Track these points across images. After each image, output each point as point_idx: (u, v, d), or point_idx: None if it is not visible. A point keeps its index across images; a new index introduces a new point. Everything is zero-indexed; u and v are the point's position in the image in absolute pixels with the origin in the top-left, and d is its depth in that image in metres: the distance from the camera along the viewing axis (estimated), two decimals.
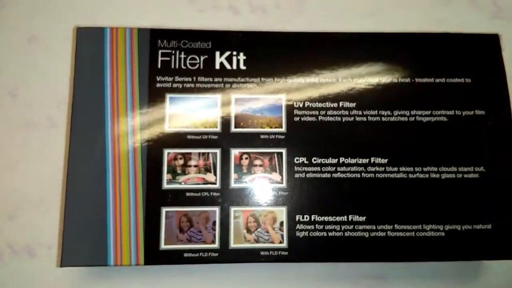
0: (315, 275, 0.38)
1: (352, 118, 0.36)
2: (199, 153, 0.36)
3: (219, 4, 0.43)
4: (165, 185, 0.35)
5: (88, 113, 0.36)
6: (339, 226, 0.35)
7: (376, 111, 0.37)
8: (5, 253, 0.38)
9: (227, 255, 0.34)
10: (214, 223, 0.34)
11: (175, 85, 0.37)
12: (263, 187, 0.35)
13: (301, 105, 0.37)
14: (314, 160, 0.36)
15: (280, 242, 0.34)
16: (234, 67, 0.37)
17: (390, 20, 0.43)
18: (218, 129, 0.36)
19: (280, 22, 0.42)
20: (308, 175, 0.35)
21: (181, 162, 0.35)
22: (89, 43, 0.37)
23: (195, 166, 0.35)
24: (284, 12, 0.43)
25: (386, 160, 0.36)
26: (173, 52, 0.37)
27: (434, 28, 0.42)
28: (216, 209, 0.35)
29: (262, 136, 0.36)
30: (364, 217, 0.35)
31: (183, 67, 0.37)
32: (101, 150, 0.35)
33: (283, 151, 0.36)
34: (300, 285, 0.38)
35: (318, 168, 0.36)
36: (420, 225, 0.35)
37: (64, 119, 0.40)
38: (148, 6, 0.43)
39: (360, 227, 0.35)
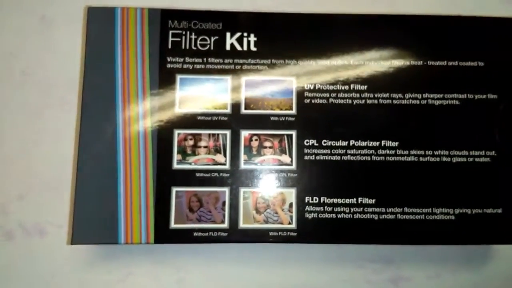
0: (322, 257, 0.38)
1: (363, 101, 0.36)
2: (209, 134, 0.36)
3: None
4: (176, 165, 0.35)
5: (99, 93, 0.36)
6: (348, 208, 0.35)
7: (388, 94, 0.36)
8: (16, 232, 0.38)
9: (236, 235, 0.34)
10: (224, 203, 0.35)
11: (185, 66, 0.37)
12: (272, 169, 0.35)
13: (311, 88, 0.37)
14: (324, 142, 0.36)
15: (289, 223, 0.34)
16: (245, 48, 0.37)
17: (402, 2, 0.42)
18: (228, 110, 0.36)
19: (291, 4, 0.42)
20: (318, 157, 0.35)
21: (191, 142, 0.35)
22: (100, 23, 0.37)
23: (205, 147, 0.35)
24: None
25: (397, 143, 0.36)
26: (184, 32, 0.37)
27: (447, 11, 0.41)
28: (226, 189, 0.35)
29: (272, 118, 0.36)
30: (374, 200, 0.35)
31: (193, 47, 0.37)
32: (112, 130, 0.35)
33: (293, 133, 0.36)
34: (307, 267, 0.38)
35: (328, 151, 0.35)
36: (430, 209, 0.35)
37: (76, 99, 0.40)
38: None
39: (370, 210, 0.35)
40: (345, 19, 0.38)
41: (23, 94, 0.40)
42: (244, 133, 0.36)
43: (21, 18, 0.41)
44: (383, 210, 0.35)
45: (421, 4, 0.42)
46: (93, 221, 0.34)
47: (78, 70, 0.41)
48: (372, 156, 0.35)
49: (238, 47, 0.37)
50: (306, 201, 0.35)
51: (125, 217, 0.34)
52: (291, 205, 0.35)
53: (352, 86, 0.37)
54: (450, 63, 0.37)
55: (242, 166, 0.35)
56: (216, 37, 0.37)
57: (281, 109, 0.36)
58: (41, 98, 0.40)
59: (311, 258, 0.38)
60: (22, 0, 0.42)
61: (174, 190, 0.35)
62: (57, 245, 0.38)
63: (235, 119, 0.36)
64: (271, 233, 0.34)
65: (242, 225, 0.34)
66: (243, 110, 0.36)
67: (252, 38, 0.37)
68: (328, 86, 0.37)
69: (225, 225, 0.34)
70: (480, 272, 0.38)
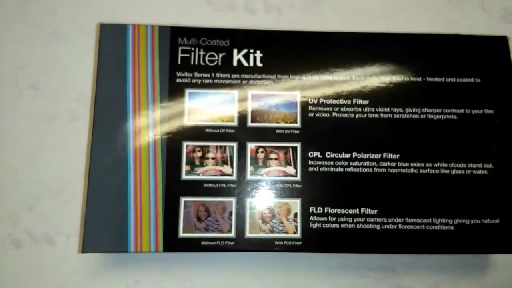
0: (326, 266, 0.39)
1: (365, 115, 0.38)
2: (217, 146, 0.37)
3: (235, 4, 0.44)
4: (184, 176, 0.36)
5: (110, 106, 0.37)
6: (351, 218, 0.36)
7: (388, 108, 0.38)
8: (25, 241, 0.39)
9: (242, 244, 0.35)
10: (231, 213, 0.36)
11: (194, 81, 0.38)
12: (278, 180, 0.36)
13: (315, 102, 0.38)
14: (328, 154, 0.37)
15: (294, 233, 0.35)
16: (251, 64, 0.39)
17: (402, 22, 0.44)
18: (235, 123, 0.37)
19: (294, 22, 0.44)
20: (321, 169, 0.37)
21: (199, 154, 0.37)
22: (112, 39, 0.38)
23: (213, 158, 0.37)
24: (298, 12, 0.44)
25: (398, 155, 0.37)
26: (193, 49, 0.39)
27: (444, 30, 0.43)
28: (233, 199, 0.36)
29: (277, 131, 0.37)
30: (376, 210, 0.36)
31: (202, 63, 0.38)
32: (123, 141, 0.36)
33: (298, 145, 0.37)
34: (311, 275, 0.39)
35: (332, 163, 0.37)
36: (430, 219, 0.36)
37: (85, 112, 0.41)
38: (166, 5, 0.44)
39: (372, 220, 0.36)
40: (347, 37, 0.40)
41: (34, 107, 0.41)
42: (251, 145, 0.37)
43: (32, 33, 0.43)
44: (385, 220, 0.36)
45: (419, 24, 0.44)
46: (104, 230, 0.35)
47: (88, 84, 0.42)
48: (374, 168, 0.37)
49: (245, 63, 0.39)
50: (310, 211, 0.36)
51: (134, 226, 0.35)
52: (296, 215, 0.36)
53: (354, 100, 0.38)
54: (448, 80, 0.39)
55: (249, 177, 0.36)
56: (224, 54, 0.39)
57: (286, 122, 0.37)
58: (52, 110, 0.41)
59: (315, 267, 0.39)
60: (33, 16, 0.43)
61: (183, 200, 0.36)
62: (65, 255, 0.39)
63: (242, 131, 0.37)
64: (276, 242, 0.35)
65: (248, 234, 0.35)
66: (250, 123, 0.37)
67: (258, 55, 0.39)
68: (331, 100, 0.38)
69: (232, 234, 0.35)
70: (479, 281, 0.39)
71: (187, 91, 0.38)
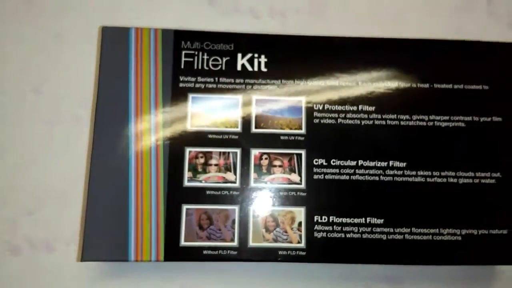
0: (331, 277, 0.38)
1: (371, 122, 0.37)
2: (220, 152, 0.36)
3: (240, 8, 0.44)
4: (186, 183, 0.35)
5: (112, 111, 0.36)
6: (357, 228, 0.35)
7: (395, 115, 0.37)
8: (24, 248, 0.38)
9: (245, 254, 0.34)
10: (234, 221, 0.35)
11: (197, 85, 0.37)
12: (282, 188, 0.36)
13: (320, 108, 0.37)
14: (333, 162, 0.36)
15: (298, 242, 0.35)
16: (256, 69, 0.38)
17: (408, 28, 0.43)
18: (238, 129, 0.37)
19: (300, 27, 0.43)
20: (326, 177, 0.36)
21: (202, 160, 0.36)
22: (115, 43, 0.38)
23: (216, 165, 0.36)
24: (303, 17, 0.44)
25: (405, 163, 0.36)
26: (196, 53, 0.38)
27: (452, 36, 0.42)
28: (236, 207, 0.35)
29: (282, 137, 0.37)
30: (382, 220, 0.35)
31: (205, 68, 0.38)
32: (124, 147, 0.35)
33: (303, 152, 0.36)
34: (316, 286, 0.38)
35: (337, 170, 0.36)
36: (437, 229, 0.35)
37: (87, 116, 0.40)
38: (170, 8, 0.43)
39: (378, 230, 0.35)
40: (352, 42, 0.39)
41: (34, 111, 0.40)
42: (254, 152, 0.36)
43: (35, 36, 0.42)
44: (391, 230, 0.35)
45: (427, 29, 0.43)
46: (104, 238, 0.34)
47: (91, 87, 0.41)
48: (380, 176, 0.36)
49: (249, 68, 0.38)
50: (315, 220, 0.35)
51: (135, 234, 0.34)
52: (300, 224, 0.35)
53: (360, 107, 0.37)
54: (455, 87, 0.38)
55: (252, 184, 0.36)
56: (228, 58, 0.38)
57: (291, 129, 0.37)
58: (52, 114, 0.40)
59: (320, 278, 0.38)
60: (36, 19, 0.43)
61: (185, 207, 0.35)
62: (64, 262, 0.38)
63: (246, 137, 0.36)
64: (280, 252, 0.34)
65: (251, 243, 0.35)
66: (254, 129, 0.37)
67: (263, 59, 0.38)
68: (337, 106, 0.37)
69: (235, 243, 0.34)
70: None
71: (190, 95, 0.37)
